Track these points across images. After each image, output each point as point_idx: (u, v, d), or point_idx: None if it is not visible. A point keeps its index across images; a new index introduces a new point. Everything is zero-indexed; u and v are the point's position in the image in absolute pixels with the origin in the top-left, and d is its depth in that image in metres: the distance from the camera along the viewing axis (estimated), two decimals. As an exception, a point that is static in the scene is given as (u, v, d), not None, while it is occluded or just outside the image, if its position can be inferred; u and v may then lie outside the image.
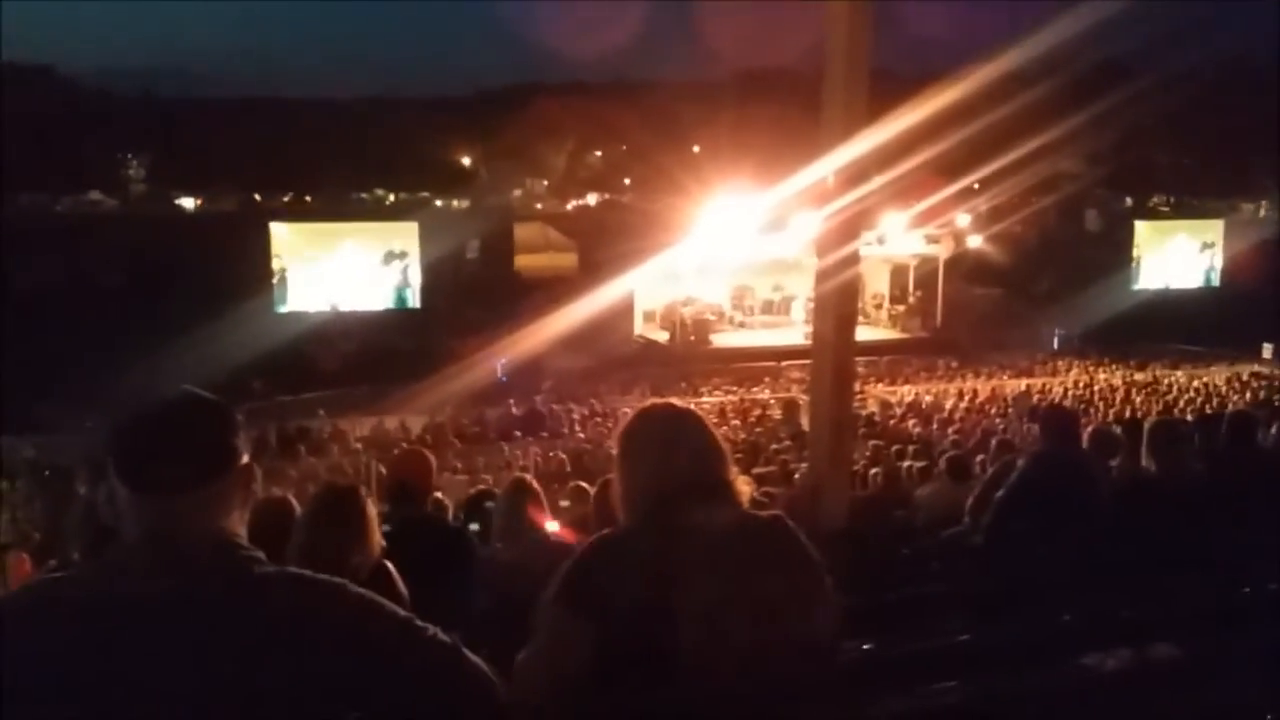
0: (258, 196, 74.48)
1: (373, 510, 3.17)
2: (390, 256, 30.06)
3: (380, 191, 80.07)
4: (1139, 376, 23.29)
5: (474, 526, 5.80)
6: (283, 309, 29.19)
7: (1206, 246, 36.06)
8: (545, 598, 2.02)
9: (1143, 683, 2.71)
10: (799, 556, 2.08)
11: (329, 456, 16.68)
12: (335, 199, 70.91)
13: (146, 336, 26.72)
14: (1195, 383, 21.75)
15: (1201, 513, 4.04)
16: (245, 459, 1.69)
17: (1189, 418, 14.24)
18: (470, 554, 4.02)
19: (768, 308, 30.11)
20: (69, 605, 1.56)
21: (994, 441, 8.78)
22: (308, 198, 73.65)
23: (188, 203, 76.18)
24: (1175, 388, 21.01)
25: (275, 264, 29.36)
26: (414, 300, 30.54)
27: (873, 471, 9.60)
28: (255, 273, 29.71)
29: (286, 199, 73.68)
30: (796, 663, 2.02)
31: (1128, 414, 17.00)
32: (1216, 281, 35.81)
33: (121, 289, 39.34)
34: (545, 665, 1.97)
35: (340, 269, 29.62)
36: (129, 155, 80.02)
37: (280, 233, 30.35)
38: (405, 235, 31.27)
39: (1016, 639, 2.79)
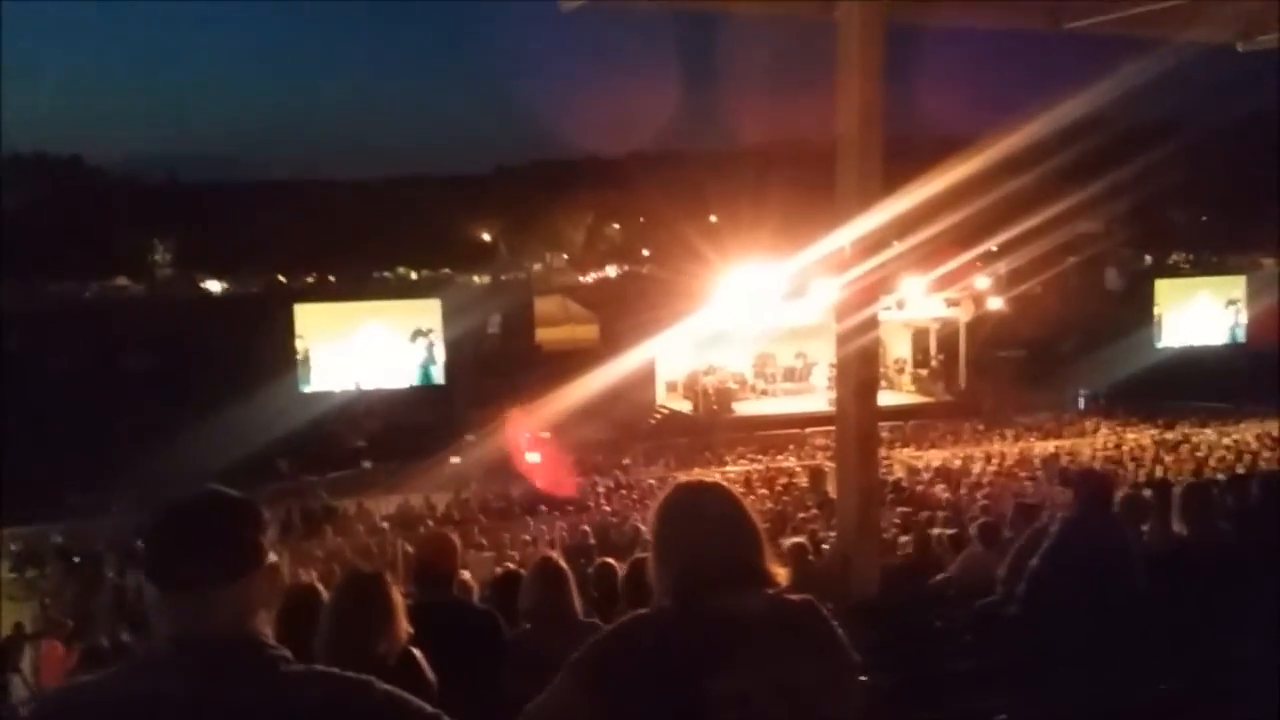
0: (282, 278, 75.35)
1: (398, 597, 3.17)
2: (417, 334, 30.23)
3: (403, 270, 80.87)
4: (1168, 435, 23.05)
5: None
6: (307, 389, 29.34)
7: (1231, 303, 35.85)
8: (568, 659, 2.04)
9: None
10: (831, 643, 2.06)
11: (355, 536, 16.68)
12: (358, 278, 71.64)
13: (174, 419, 26.99)
14: (1226, 440, 21.50)
15: (1235, 578, 3.97)
16: (272, 558, 1.71)
17: (1221, 476, 14.05)
18: (498, 637, 3.99)
19: (790, 375, 30.07)
20: (100, 709, 1.57)
21: (1013, 505, 8.67)
22: (331, 278, 74.50)
23: (214, 286, 77.17)
24: (1206, 446, 20.78)
25: (299, 344, 29.57)
26: (438, 377, 30.67)
27: (903, 539, 9.50)
28: (279, 353, 29.92)
29: (310, 279, 74.56)
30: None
31: (1159, 473, 16.81)
32: (1242, 338, 35.53)
33: (149, 373, 39.77)
34: None
35: (364, 348, 29.79)
36: (155, 240, 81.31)
37: (304, 313, 30.61)
38: (428, 312, 31.44)
39: (1053, 715, 2.74)
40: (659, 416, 28.92)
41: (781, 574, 2.12)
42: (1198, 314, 35.36)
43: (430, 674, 3.03)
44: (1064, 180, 37.32)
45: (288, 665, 1.63)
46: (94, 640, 11.31)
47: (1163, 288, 36.83)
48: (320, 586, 4.22)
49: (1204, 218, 65.84)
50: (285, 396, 28.32)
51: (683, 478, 2.31)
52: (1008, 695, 3.25)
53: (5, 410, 29.67)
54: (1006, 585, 5.15)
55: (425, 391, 30.48)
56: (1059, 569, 4.58)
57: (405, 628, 3.11)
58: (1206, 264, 55.96)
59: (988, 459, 20.43)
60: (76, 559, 16.71)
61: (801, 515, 14.47)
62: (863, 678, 2.10)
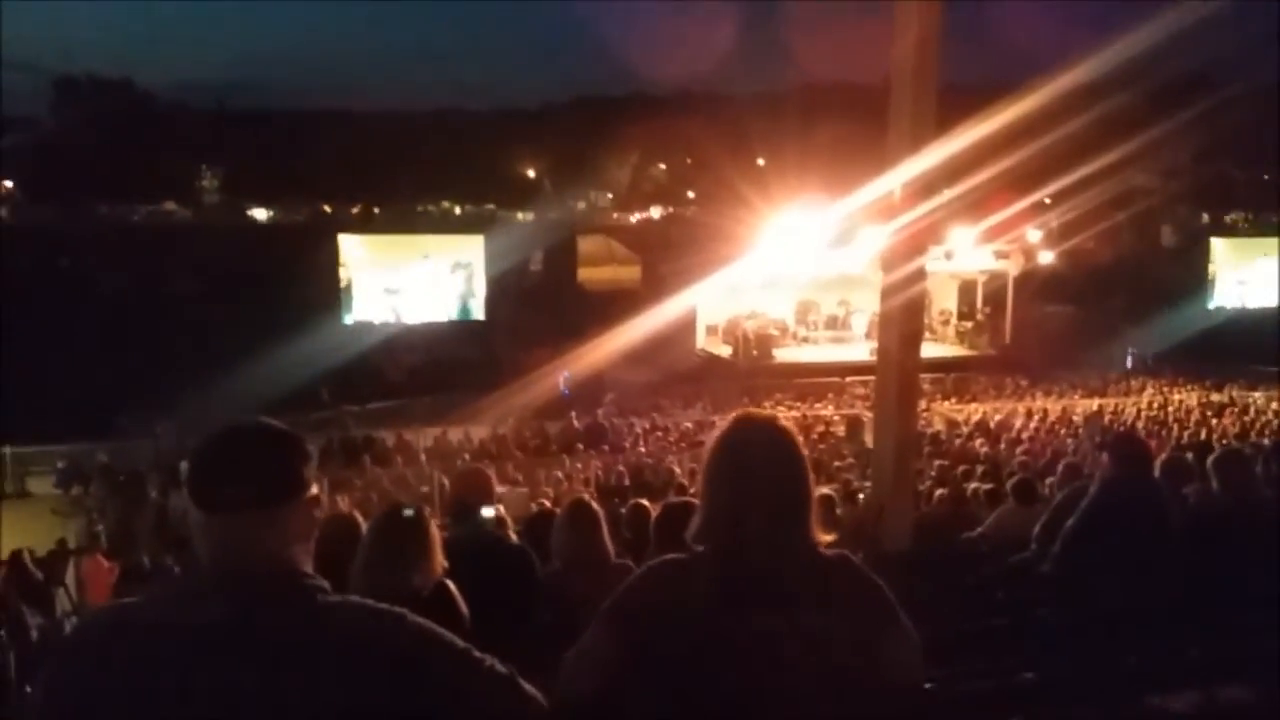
0: (327, 208, 75.66)
1: (435, 531, 3.20)
2: (457, 267, 30.31)
3: (447, 204, 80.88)
4: (1215, 397, 22.69)
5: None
6: (349, 319, 29.56)
7: (1287, 266, 35.00)
8: (602, 606, 2.05)
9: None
10: (864, 594, 2.04)
11: (394, 467, 16.89)
12: (402, 211, 71.73)
13: (218, 345, 27.32)
14: (1274, 404, 21.14)
15: (1274, 546, 3.91)
16: (313, 491, 1.72)
17: (1266, 440, 13.85)
18: (531, 572, 4.03)
19: (832, 323, 29.82)
20: (139, 630, 1.60)
21: (1061, 465, 8.57)
22: (376, 209, 74.72)
23: (260, 214, 77.65)
24: (1253, 409, 20.46)
25: (342, 274, 29.74)
26: (478, 312, 30.75)
27: (938, 492, 9.45)
28: (323, 283, 30.13)
29: (355, 210, 74.82)
30: (856, 703, 1.99)
31: (1203, 435, 16.59)
32: (1298, 301, 34.72)
33: (194, 298, 40.26)
34: (575, 669, 2.01)
35: (406, 280, 29.93)
36: (203, 167, 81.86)
37: (348, 244, 30.73)
38: (471, 248, 31.46)
39: (1081, 678, 2.72)
40: (698, 360, 28.84)
41: (823, 541, 2.09)
42: (1254, 275, 34.65)
43: (463, 607, 3.06)
44: (1119, 133, 36.47)
45: (324, 596, 1.65)
46: (135, 558, 11.60)
47: (1219, 247, 36.10)
48: (358, 515, 4.28)
49: (1265, 176, 64.12)
50: (328, 326, 28.60)
51: (718, 420, 2.26)
52: (1038, 654, 3.23)
53: (56, 329, 30.24)
54: (1041, 543, 5.11)
55: (466, 327, 30.60)
56: (1095, 529, 4.53)
57: (440, 561, 3.14)
58: (1266, 224, 54.68)
59: (1029, 415, 20.24)
60: (121, 477, 17.05)
61: (837, 464, 14.46)
62: (911, 636, 2.06)
